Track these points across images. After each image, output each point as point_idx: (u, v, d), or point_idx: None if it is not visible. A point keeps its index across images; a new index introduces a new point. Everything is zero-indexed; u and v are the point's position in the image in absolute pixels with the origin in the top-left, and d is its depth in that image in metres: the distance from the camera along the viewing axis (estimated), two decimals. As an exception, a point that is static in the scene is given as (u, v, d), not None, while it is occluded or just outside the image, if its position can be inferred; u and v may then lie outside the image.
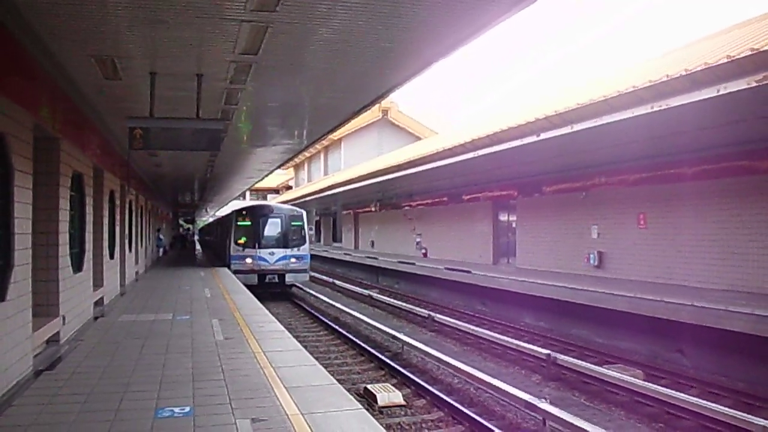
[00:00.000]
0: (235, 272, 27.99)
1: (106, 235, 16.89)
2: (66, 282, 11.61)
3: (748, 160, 15.27)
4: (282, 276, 28.97)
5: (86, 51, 9.18)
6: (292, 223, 29.86)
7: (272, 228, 29.61)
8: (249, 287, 22.89)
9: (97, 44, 8.90)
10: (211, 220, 77.59)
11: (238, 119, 14.36)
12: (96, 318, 14.61)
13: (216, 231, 49.26)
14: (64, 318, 11.39)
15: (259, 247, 28.80)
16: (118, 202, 19.68)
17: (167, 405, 7.54)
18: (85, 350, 11.03)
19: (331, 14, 7.78)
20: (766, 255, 15.63)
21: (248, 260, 28.51)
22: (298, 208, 31.63)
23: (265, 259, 28.64)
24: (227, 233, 31.80)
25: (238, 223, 29.56)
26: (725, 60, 11.35)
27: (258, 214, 29.92)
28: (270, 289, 28.93)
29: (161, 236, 45.24)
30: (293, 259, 29.04)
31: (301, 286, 31.37)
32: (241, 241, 28.99)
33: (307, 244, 29.88)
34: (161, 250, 45.03)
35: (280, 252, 28.94)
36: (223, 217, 45.53)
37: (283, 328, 13.26)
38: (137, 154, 18.69)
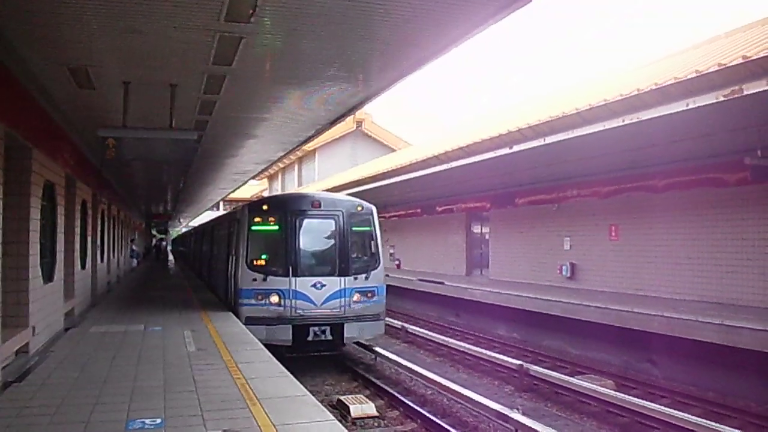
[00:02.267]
0: (249, 322, 15.31)
1: (77, 245, 16.74)
2: (36, 292, 11.47)
3: (717, 173, 15.50)
4: (338, 327, 15.86)
5: (59, 60, 9.12)
6: (355, 228, 16.87)
7: (319, 238, 16.73)
8: (271, 348, 12.73)
9: (70, 53, 8.85)
10: (185, 230, 75.14)
11: (213, 128, 14.32)
12: (67, 329, 14.42)
13: (202, 242, 31.86)
14: (33, 329, 11.25)
15: (296, 274, 15.75)
16: (90, 212, 19.50)
17: (138, 417, 7.46)
18: (56, 361, 10.89)
19: (305, 27, 7.81)
20: (736, 266, 15.86)
21: (274, 299, 15.60)
22: (361, 200, 17.68)
23: (307, 298, 15.73)
24: (230, 247, 18.35)
25: (254, 227, 16.34)
26: (694, 74, 11.55)
27: (293, 211, 16.46)
28: (315, 351, 16.08)
29: (134, 247, 44.70)
30: (357, 296, 16.20)
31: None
32: (260, 262, 16.10)
33: (381, 267, 16.89)
34: (135, 261, 44.48)
35: (334, 283, 16.02)
36: (219, 217, 27.32)
37: (255, 340, 13.17)
38: (110, 164, 18.54)
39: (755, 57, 10.62)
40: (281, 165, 60.64)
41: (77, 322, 15.74)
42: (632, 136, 14.32)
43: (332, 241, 16.49)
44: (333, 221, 16.55)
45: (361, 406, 11.98)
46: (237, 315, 16.13)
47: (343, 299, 15.91)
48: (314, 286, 15.79)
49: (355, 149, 54.29)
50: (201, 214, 58.46)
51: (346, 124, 50.97)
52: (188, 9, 7.20)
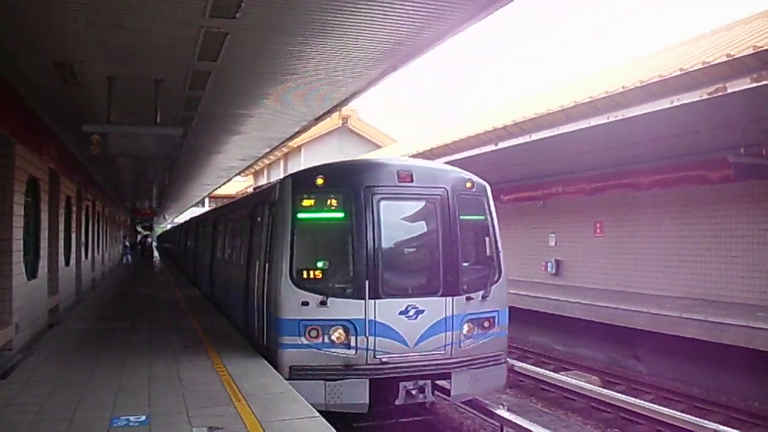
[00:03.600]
0: (296, 375, 9.54)
1: (61, 242, 16.63)
2: (20, 289, 11.40)
3: (701, 170, 15.60)
4: (443, 377, 10.20)
5: (44, 55, 9.05)
6: (464, 217, 10.63)
7: (412, 232, 11.05)
8: (327, 416, 7.76)
9: (55, 48, 8.79)
10: (175, 223, 72.37)
11: (198, 124, 14.27)
12: (51, 326, 14.34)
13: (200, 239, 24.16)
14: (17, 326, 11.19)
15: (377, 294, 9.71)
16: (74, 208, 19.37)
17: (123, 414, 7.42)
18: (39, 358, 10.80)
19: (291, 23, 7.80)
20: (720, 263, 15.97)
21: (338, 337, 9.62)
22: (468, 173, 11.08)
23: (393, 334, 9.72)
24: (254, 247, 12.23)
25: (303, 214, 10.13)
26: (679, 72, 11.62)
27: (369, 188, 10.12)
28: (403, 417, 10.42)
29: (128, 243, 43.66)
30: (469, 327, 10.27)
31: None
32: (314, 273, 9.90)
33: (503, 280, 10.87)
34: (128, 257, 43.45)
35: (436, 308, 10.00)
36: (232, 203, 19.94)
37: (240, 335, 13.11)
38: (95, 160, 18.44)
39: (739, 55, 10.70)
40: (267, 161, 60.46)
41: (62, 318, 15.65)
42: (617, 133, 14.39)
43: (432, 238, 10.37)
44: (433, 205, 10.34)
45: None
46: (272, 361, 9.99)
47: (449, 333, 9.91)
48: (405, 313, 9.69)
49: (341, 145, 54.21)
50: (186, 210, 58.29)
51: (332, 121, 50.86)
52: (173, 4, 7.17)
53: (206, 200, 59.44)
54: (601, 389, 12.70)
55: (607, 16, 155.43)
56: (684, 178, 16.15)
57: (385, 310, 9.64)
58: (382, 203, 10.03)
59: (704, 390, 13.83)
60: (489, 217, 10.94)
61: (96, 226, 26.86)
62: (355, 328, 9.55)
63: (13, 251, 10.85)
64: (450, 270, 10.10)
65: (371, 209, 9.92)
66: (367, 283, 9.59)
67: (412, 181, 10.25)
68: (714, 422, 10.38)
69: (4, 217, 10.73)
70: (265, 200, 11.77)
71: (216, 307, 17.48)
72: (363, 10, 7.39)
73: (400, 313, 9.68)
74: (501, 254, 10.83)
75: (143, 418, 7.28)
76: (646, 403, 11.62)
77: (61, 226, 16.66)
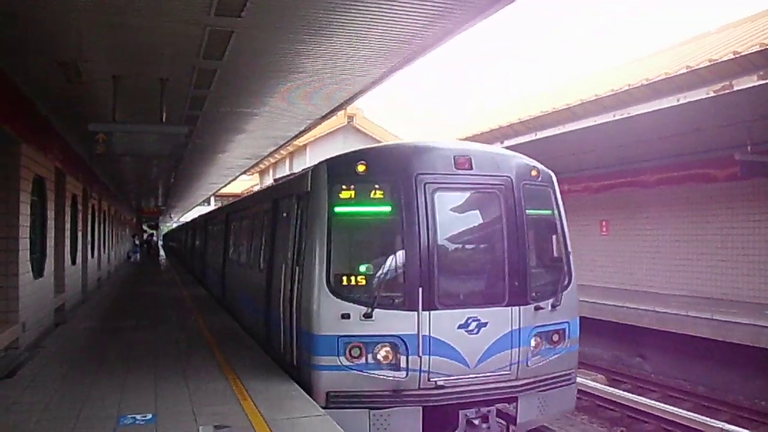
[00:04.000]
0: (335, 402, 8.01)
1: (67, 241, 16.65)
2: (26, 288, 11.41)
3: (707, 169, 15.56)
4: (508, 401, 8.81)
5: (49, 54, 9.06)
6: (531, 211, 9.05)
7: (471, 229, 9.31)
8: None
9: (60, 47, 8.79)
10: (181, 222, 71.58)
11: (204, 123, 14.28)
12: (57, 324, 14.37)
13: (211, 239, 22.93)
14: (23, 324, 11.20)
15: (431, 305, 8.17)
16: (80, 207, 19.41)
17: (130, 412, 7.42)
18: (46, 357, 10.84)
19: (296, 22, 7.79)
20: (726, 261, 15.93)
21: (385, 356, 8.11)
22: (532, 160, 9.64)
23: (451, 352, 8.20)
24: (276, 248, 10.74)
25: (341, 208, 8.46)
26: (685, 70, 11.59)
27: (420, 176, 8.51)
28: None
29: (137, 242, 44.22)
30: (537, 342, 8.78)
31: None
32: (356, 279, 8.26)
33: (574, 285, 9.28)
34: (136, 255, 44.00)
35: (500, 320, 8.47)
36: (250, 196, 19.54)
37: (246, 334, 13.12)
38: (100, 159, 18.46)
39: (745, 52, 10.68)
40: (272, 160, 60.48)
41: (68, 317, 15.68)
42: (623, 131, 14.36)
43: (496, 237, 8.85)
44: (496, 196, 8.82)
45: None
46: (304, 384, 8.46)
47: (515, 350, 8.47)
48: (465, 326, 8.25)
49: (346, 144, 54.05)
50: (192, 209, 58.40)
51: (338, 119, 50.85)
52: (178, 3, 7.16)
53: (212, 199, 59.55)
54: (607, 387, 12.67)
55: (607, 16, 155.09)
56: (690, 176, 16.11)
57: (442, 323, 8.14)
58: (437, 194, 8.47)
59: (710, 389, 13.80)
60: (557, 212, 9.50)
61: (102, 225, 26.90)
62: (406, 346, 8.05)
63: (19, 250, 10.87)
64: (516, 274, 8.56)
65: (424, 201, 8.36)
66: (420, 290, 8.08)
67: (471, 168, 8.68)
68: (720, 421, 10.35)
69: (11, 216, 10.75)
70: (292, 192, 10.04)
71: (228, 312, 16.02)
72: (369, 9, 7.37)
73: (460, 326, 8.20)
74: (571, 255, 9.35)
75: (150, 416, 7.29)
76: (652, 402, 11.60)
77: (68, 225, 16.68)
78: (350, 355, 8.01)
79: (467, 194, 9.02)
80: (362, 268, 8.34)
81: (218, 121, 14.28)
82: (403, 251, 8.24)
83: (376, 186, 8.39)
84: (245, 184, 73.23)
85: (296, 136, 17.05)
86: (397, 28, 8.08)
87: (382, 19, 7.75)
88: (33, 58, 9.31)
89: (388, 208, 8.44)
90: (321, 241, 8.30)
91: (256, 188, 47.73)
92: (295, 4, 7.25)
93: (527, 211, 8.85)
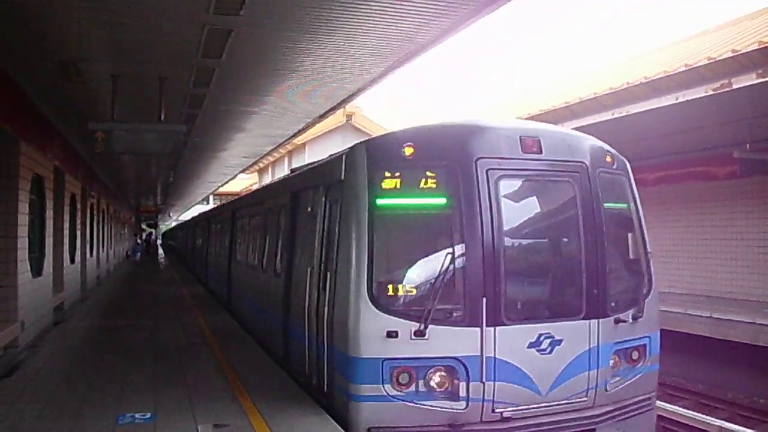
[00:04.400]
0: None
1: (66, 239, 16.64)
2: (25, 287, 11.41)
3: (707, 167, 15.56)
4: None
5: (48, 53, 9.05)
6: (608, 205, 7.45)
7: (543, 225, 7.76)
8: None
9: (59, 46, 8.78)
10: (181, 220, 64.78)
11: (203, 122, 14.27)
12: (56, 323, 14.36)
13: (215, 240, 21.31)
14: (22, 323, 11.19)
15: (498, 320, 6.64)
16: (79, 206, 19.39)
17: (128, 411, 7.40)
18: (45, 356, 10.81)
19: (295, 20, 7.78)
20: (725, 259, 15.93)
21: (439, 382, 6.64)
22: (604, 144, 8.07)
23: (520, 376, 6.70)
24: (296, 249, 9.25)
25: (384, 199, 6.83)
26: (684, 68, 11.59)
27: (481, 160, 6.88)
28: None
29: (139, 241, 44.37)
30: (616, 361, 7.35)
31: None
32: (406, 289, 6.75)
33: (655, 290, 7.91)
34: (137, 254, 44.19)
35: (577, 336, 6.97)
36: (265, 187, 17.71)
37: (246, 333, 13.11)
38: (100, 157, 18.45)
39: (744, 50, 10.67)
40: (271, 159, 60.41)
41: (67, 316, 15.67)
42: (622, 129, 14.35)
43: (571, 235, 7.44)
44: (571, 186, 7.31)
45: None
46: (339, 416, 6.96)
47: (593, 372, 7.05)
48: (537, 345, 6.81)
49: (345, 142, 53.54)
50: (191, 207, 58.40)
51: (336, 118, 50.76)
52: (177, 1, 7.18)
53: (210, 197, 59.51)
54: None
55: (608, 12, 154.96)
56: (690, 174, 16.10)
57: (510, 341, 6.66)
58: (502, 183, 6.96)
59: (709, 386, 13.79)
60: (633, 206, 7.97)
61: (101, 224, 26.89)
62: (466, 370, 6.58)
63: (18, 249, 10.86)
64: (595, 280, 7.08)
65: (487, 192, 6.79)
66: (484, 301, 6.58)
67: (540, 151, 7.14)
68: (719, 419, 10.35)
69: (9, 215, 10.74)
70: (318, 182, 8.45)
71: (235, 318, 14.54)
72: (369, 7, 7.37)
73: (530, 345, 6.73)
74: (651, 257, 7.91)
75: (148, 415, 7.28)
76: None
77: (66, 224, 16.67)
78: (398, 382, 6.54)
79: (537, 183, 7.48)
80: (412, 275, 6.87)
81: (217, 119, 14.27)
82: (463, 253, 6.71)
83: (428, 173, 6.83)
84: (244, 183, 73.10)
85: (295, 135, 17.05)
86: (397, 26, 8.08)
87: (382, 18, 7.75)
88: (33, 57, 9.31)
89: (442, 200, 6.94)
90: (360, 241, 6.77)
91: (255, 187, 43.55)
92: (294, 3, 7.26)
93: (605, 205, 7.39)
